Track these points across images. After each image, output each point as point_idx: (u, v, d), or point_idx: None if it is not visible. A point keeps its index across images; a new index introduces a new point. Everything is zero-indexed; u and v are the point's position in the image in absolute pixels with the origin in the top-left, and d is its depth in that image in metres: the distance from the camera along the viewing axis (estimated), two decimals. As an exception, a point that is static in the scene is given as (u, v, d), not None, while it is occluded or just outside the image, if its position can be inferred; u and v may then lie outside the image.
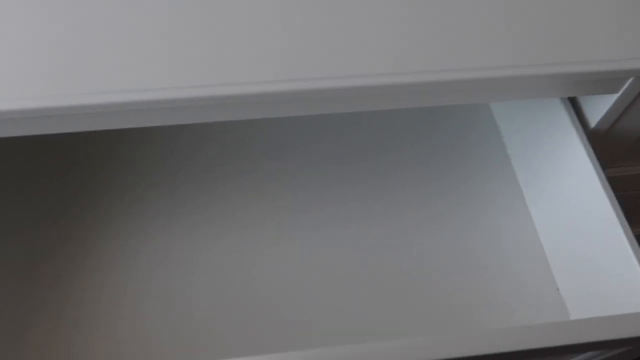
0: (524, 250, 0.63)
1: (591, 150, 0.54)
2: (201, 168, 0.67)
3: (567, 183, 0.58)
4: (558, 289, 0.60)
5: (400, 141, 0.72)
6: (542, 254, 0.62)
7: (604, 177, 0.52)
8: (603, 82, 0.51)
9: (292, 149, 0.70)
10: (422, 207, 0.66)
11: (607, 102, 0.54)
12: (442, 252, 0.62)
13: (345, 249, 0.62)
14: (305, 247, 0.62)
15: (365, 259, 0.61)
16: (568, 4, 0.52)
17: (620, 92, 0.52)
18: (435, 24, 0.50)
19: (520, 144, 0.69)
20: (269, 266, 0.60)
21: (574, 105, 0.58)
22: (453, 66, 0.47)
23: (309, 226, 0.63)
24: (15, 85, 0.43)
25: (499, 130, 0.73)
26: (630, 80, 0.50)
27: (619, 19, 0.51)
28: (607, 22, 0.51)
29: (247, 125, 0.71)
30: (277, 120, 0.71)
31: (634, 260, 0.47)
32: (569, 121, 0.57)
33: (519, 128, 0.69)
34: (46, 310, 0.56)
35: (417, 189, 0.67)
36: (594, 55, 0.48)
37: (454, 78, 0.46)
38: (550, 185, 0.62)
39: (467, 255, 0.62)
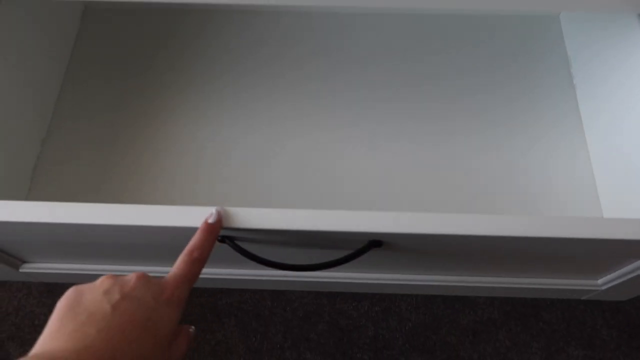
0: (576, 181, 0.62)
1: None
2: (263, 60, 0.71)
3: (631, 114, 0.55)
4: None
5: (466, 50, 0.71)
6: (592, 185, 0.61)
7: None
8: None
9: (358, 53, 0.71)
10: (482, 127, 0.66)
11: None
12: (497, 169, 0.63)
13: (407, 157, 0.64)
14: (371, 152, 0.65)
15: (425, 169, 0.64)
16: None
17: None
18: None
19: (588, 72, 0.65)
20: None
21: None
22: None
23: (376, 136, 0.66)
24: None
25: (567, 57, 0.70)
26: None
27: None
28: None
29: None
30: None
31: None
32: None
33: (589, 56, 0.65)
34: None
35: (479, 106, 0.68)
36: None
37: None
38: (610, 114, 0.59)
39: (521, 171, 0.63)
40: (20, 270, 0.59)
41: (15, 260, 0.57)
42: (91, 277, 0.34)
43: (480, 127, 0.65)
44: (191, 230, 0.38)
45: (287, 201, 0.61)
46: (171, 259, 0.37)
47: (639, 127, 0.54)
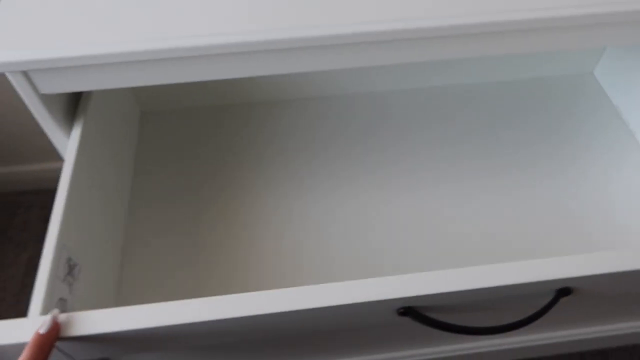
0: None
1: None
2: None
3: None
4: None
5: (511, 119, 0.73)
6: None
7: None
8: None
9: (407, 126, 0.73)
10: (562, 182, 0.68)
11: None
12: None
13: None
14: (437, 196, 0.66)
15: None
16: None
17: None
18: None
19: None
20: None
21: None
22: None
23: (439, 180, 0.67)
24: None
25: (614, 107, 0.74)
26: None
27: None
28: None
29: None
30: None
31: None
32: None
33: (636, 99, 0.70)
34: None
35: (550, 169, 0.70)
36: None
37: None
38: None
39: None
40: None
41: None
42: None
43: (561, 182, 0.67)
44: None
45: (404, 264, 0.59)
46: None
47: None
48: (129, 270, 0.60)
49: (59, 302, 0.44)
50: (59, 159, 0.51)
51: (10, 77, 0.46)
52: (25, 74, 0.46)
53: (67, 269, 0.46)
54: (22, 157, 1.14)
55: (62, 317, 0.38)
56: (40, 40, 0.43)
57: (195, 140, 0.72)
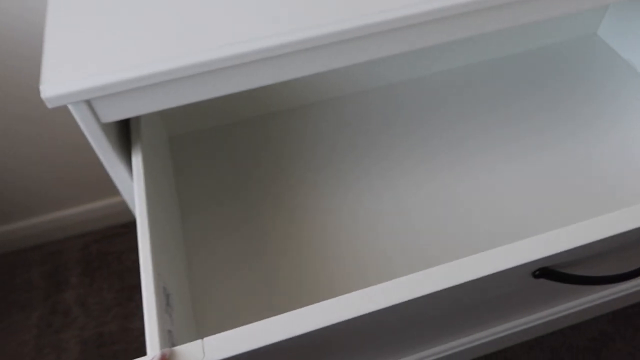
0: None
1: None
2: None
3: None
4: None
5: (526, 89, 0.75)
6: None
7: None
8: None
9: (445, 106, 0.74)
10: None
11: None
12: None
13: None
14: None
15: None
16: None
17: None
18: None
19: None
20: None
21: None
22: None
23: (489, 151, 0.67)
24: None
25: (626, 62, 0.78)
26: None
27: None
28: None
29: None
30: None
31: None
32: None
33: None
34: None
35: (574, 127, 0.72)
36: None
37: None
38: None
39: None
40: None
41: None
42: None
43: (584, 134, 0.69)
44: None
45: (454, 247, 0.59)
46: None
47: None
48: (197, 290, 0.57)
49: (167, 335, 0.42)
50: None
51: (72, 109, 0.43)
52: (88, 103, 0.43)
53: (166, 299, 0.44)
54: (8, 216, 1.07)
55: (178, 349, 0.35)
56: (98, 66, 0.41)
57: (227, 156, 0.70)
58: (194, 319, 0.55)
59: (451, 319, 0.47)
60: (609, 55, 0.79)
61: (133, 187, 0.48)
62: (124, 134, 0.53)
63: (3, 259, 1.18)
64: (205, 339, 0.35)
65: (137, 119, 0.53)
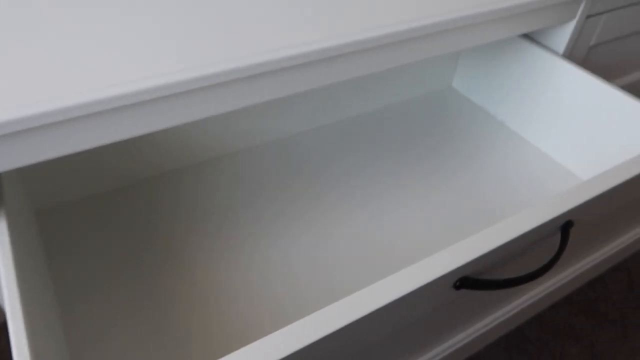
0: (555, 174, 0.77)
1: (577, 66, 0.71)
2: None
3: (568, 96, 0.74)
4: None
5: (400, 139, 0.81)
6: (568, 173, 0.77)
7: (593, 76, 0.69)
8: (562, 8, 0.68)
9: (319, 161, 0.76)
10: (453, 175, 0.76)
11: (566, 32, 0.72)
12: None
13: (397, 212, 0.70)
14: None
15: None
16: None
17: (577, 17, 0.70)
18: None
19: (504, 105, 0.84)
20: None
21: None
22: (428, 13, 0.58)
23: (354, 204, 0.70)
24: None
25: (471, 101, 0.88)
26: (583, 3, 0.69)
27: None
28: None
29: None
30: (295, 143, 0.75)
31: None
32: (546, 53, 0.73)
33: (497, 89, 0.84)
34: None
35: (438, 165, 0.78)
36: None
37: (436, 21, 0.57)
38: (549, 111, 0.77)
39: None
40: None
41: None
42: None
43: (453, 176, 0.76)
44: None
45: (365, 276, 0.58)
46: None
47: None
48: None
49: None
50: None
51: None
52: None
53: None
54: None
55: None
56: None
57: (108, 226, 0.63)
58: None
59: (379, 346, 0.45)
60: (465, 103, 0.89)
61: None
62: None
63: None
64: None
65: None
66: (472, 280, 0.39)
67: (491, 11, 0.60)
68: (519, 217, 0.42)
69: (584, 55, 0.79)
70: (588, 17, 0.73)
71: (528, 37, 0.79)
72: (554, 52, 0.75)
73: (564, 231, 0.44)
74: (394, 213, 0.69)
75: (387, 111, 0.86)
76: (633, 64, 0.92)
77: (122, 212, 0.66)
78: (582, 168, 0.75)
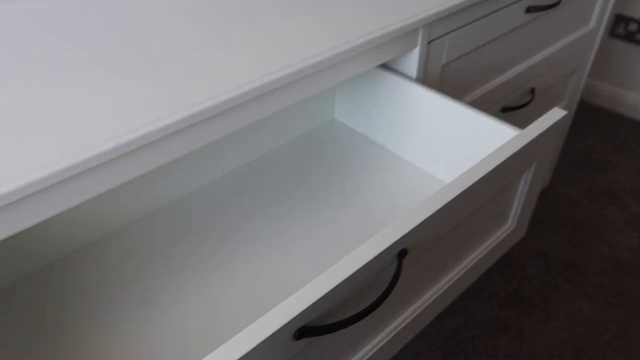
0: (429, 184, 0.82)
1: (428, 88, 0.77)
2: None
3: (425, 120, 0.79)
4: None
5: (294, 175, 0.84)
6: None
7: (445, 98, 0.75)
8: (403, 38, 0.74)
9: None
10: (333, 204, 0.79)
11: (414, 58, 0.78)
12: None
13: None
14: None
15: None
16: None
17: (419, 44, 0.76)
18: (249, 48, 0.66)
19: (381, 130, 0.89)
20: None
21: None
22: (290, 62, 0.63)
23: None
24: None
25: (353, 129, 0.92)
26: (421, 31, 0.74)
27: None
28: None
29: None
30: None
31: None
32: (404, 81, 0.79)
33: (372, 120, 0.89)
34: None
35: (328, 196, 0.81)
36: (389, 21, 0.71)
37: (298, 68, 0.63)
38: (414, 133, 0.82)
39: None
40: None
41: None
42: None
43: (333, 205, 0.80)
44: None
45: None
46: None
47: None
48: None
49: None
50: None
51: None
52: None
53: None
54: None
55: None
56: None
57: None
58: None
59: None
60: (348, 133, 0.93)
61: None
62: None
63: None
64: None
65: None
66: (311, 328, 0.42)
67: (345, 51, 0.65)
68: (348, 258, 0.45)
69: (439, 73, 0.85)
70: (430, 41, 0.79)
71: (386, 66, 0.84)
72: (408, 77, 0.81)
73: (399, 261, 0.48)
74: (283, 263, 0.71)
75: (274, 154, 0.89)
76: (485, 75, 0.99)
77: (14, 308, 0.65)
78: (450, 177, 0.81)
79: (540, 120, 0.63)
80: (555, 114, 0.63)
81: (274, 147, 0.91)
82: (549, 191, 1.65)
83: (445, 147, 0.79)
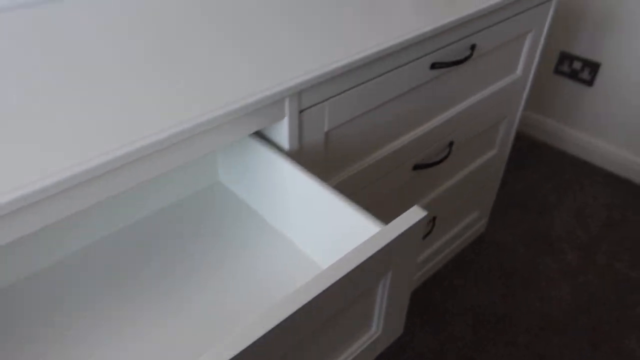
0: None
1: (295, 163, 0.67)
2: None
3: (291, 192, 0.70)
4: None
5: (175, 243, 0.74)
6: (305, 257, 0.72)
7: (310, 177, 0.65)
8: (270, 109, 0.64)
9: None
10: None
11: (284, 128, 0.68)
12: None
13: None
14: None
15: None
16: (218, 66, 0.65)
17: (287, 114, 0.67)
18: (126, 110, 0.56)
19: (260, 200, 0.79)
20: None
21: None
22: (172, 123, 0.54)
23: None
24: None
25: (236, 195, 0.82)
26: (287, 100, 0.65)
27: (253, 62, 0.67)
28: (248, 68, 0.66)
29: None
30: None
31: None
32: (272, 153, 0.69)
33: (251, 186, 0.80)
34: None
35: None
36: (251, 89, 0.62)
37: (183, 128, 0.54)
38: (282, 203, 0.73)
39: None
40: None
41: None
42: None
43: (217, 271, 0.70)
44: None
45: None
46: None
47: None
48: None
49: None
50: None
51: None
52: None
53: None
54: None
55: None
56: None
57: None
58: None
59: None
60: (231, 199, 0.84)
61: None
62: None
63: None
64: None
65: None
66: None
67: (200, 123, 0.55)
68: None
69: (322, 140, 0.76)
70: (303, 110, 0.70)
71: (260, 134, 0.75)
72: (278, 148, 0.72)
73: None
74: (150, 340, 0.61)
75: (155, 218, 0.79)
76: (388, 134, 0.90)
77: None
78: (324, 259, 0.71)
79: (395, 223, 0.54)
80: (412, 216, 0.54)
81: (152, 212, 0.80)
82: (484, 238, 1.57)
83: (315, 228, 0.70)
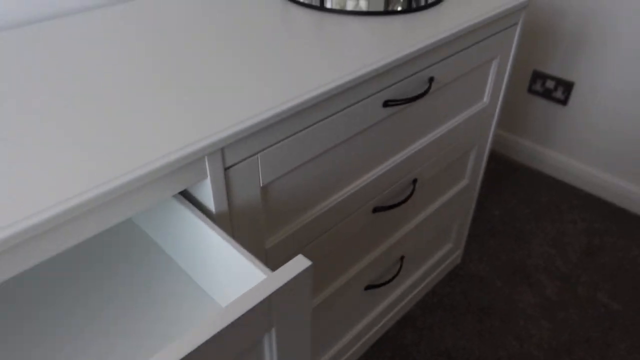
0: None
1: (215, 227, 0.57)
2: None
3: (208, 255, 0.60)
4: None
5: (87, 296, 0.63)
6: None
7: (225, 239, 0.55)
8: (187, 170, 0.55)
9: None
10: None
11: (208, 187, 0.59)
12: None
13: None
14: None
15: None
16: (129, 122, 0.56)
17: (208, 175, 0.57)
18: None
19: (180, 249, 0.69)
20: None
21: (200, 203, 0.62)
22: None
23: None
24: None
25: (152, 238, 0.72)
26: (207, 159, 0.56)
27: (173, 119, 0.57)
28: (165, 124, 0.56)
29: None
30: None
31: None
32: (191, 214, 0.59)
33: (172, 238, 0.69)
34: None
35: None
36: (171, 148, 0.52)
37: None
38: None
39: None
40: None
41: None
42: None
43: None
44: None
45: None
46: None
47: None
48: None
49: None
50: None
51: None
52: None
53: None
54: None
55: None
56: None
57: None
58: None
59: None
60: (144, 238, 0.73)
61: None
62: None
63: None
64: None
65: None
66: None
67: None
68: None
69: (258, 195, 0.67)
70: (228, 168, 0.60)
71: (187, 192, 0.65)
72: (201, 206, 0.62)
73: None
74: None
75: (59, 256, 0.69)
76: (342, 179, 0.81)
77: None
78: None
79: (273, 275, 0.44)
80: (296, 266, 0.44)
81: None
82: (459, 270, 1.49)
83: (216, 274, 0.60)
